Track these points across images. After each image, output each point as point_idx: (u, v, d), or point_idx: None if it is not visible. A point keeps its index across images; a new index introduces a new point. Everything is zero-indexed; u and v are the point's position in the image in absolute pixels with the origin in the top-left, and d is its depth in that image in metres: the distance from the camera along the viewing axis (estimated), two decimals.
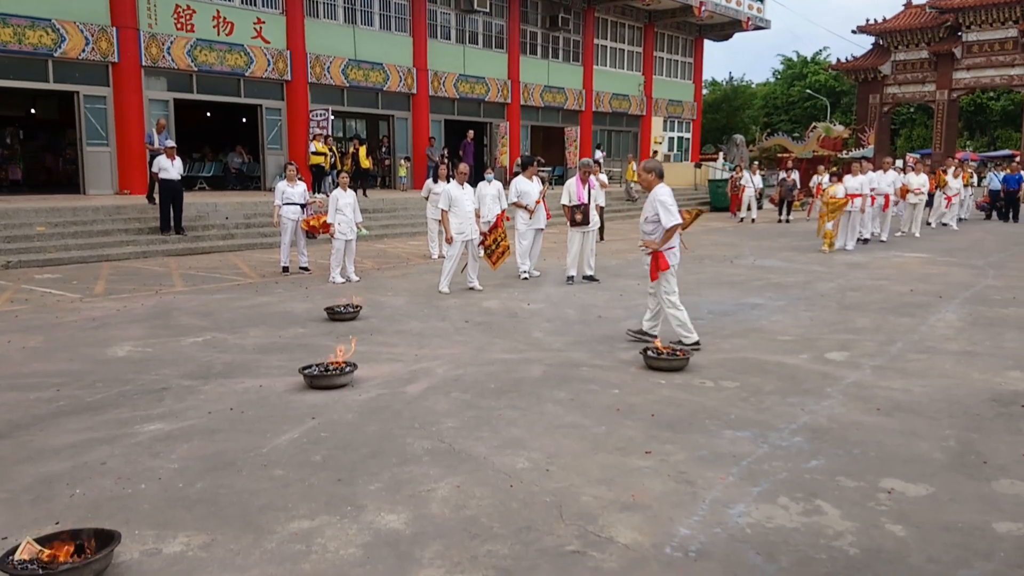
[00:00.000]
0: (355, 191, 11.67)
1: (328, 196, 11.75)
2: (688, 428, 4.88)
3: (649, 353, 6.34)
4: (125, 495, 3.91)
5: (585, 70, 30.04)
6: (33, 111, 24.20)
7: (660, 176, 6.90)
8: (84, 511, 3.72)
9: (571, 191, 10.67)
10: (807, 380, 5.98)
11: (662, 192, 6.79)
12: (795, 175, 24.29)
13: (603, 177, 16.03)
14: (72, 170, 20.54)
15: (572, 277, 10.80)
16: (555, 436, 4.74)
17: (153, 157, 14.71)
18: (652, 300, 7.20)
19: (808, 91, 51.11)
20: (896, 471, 4.24)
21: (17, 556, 3.12)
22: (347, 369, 5.92)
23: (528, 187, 11.22)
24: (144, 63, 17.90)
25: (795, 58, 56.48)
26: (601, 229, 15.16)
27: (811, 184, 23.38)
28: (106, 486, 4.01)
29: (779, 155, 30.75)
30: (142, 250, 13.49)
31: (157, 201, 14.56)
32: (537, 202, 11.11)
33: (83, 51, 16.95)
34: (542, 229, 11.43)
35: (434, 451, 4.50)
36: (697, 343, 6.83)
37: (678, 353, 6.35)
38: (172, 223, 14.34)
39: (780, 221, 22.58)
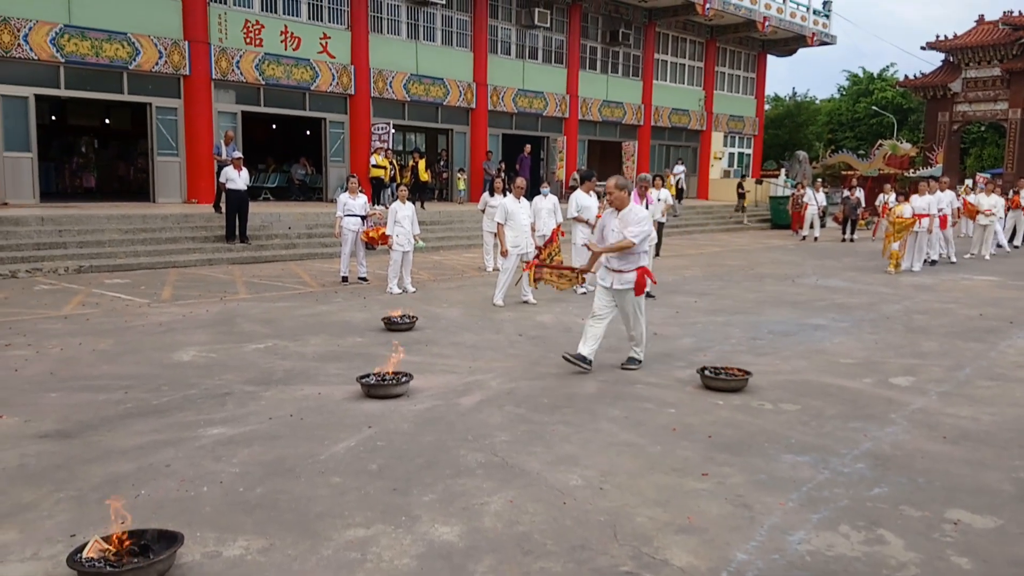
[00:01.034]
0: (414, 203, 11.83)
1: (387, 208, 11.93)
2: (746, 451, 4.81)
3: (706, 372, 6.29)
4: (188, 497, 4.01)
5: (645, 85, 29.93)
6: (107, 121, 25.18)
7: (629, 193, 6.63)
8: (149, 511, 3.83)
9: None
10: (870, 405, 5.84)
11: (636, 210, 6.53)
12: (860, 193, 23.76)
13: (665, 193, 15.82)
14: (143, 179, 21.29)
15: None
16: (609, 454, 4.72)
17: (221, 168, 15.15)
18: (596, 326, 6.73)
19: (874, 108, 49.98)
20: (963, 502, 4.10)
21: (85, 554, 3.23)
22: (404, 379, 5.98)
23: (588, 201, 11.19)
24: (214, 76, 18.46)
25: (861, 74, 55.32)
26: (658, 245, 15.02)
27: (877, 203, 22.86)
28: (170, 488, 4.12)
29: (843, 172, 30.12)
30: (208, 258, 13.87)
31: (223, 210, 14.97)
32: (598, 216, 11.05)
33: (156, 64, 17.58)
34: None
35: (487, 464, 4.51)
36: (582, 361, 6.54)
37: (736, 373, 6.27)
38: (237, 232, 14.72)
39: (844, 240, 22.10)
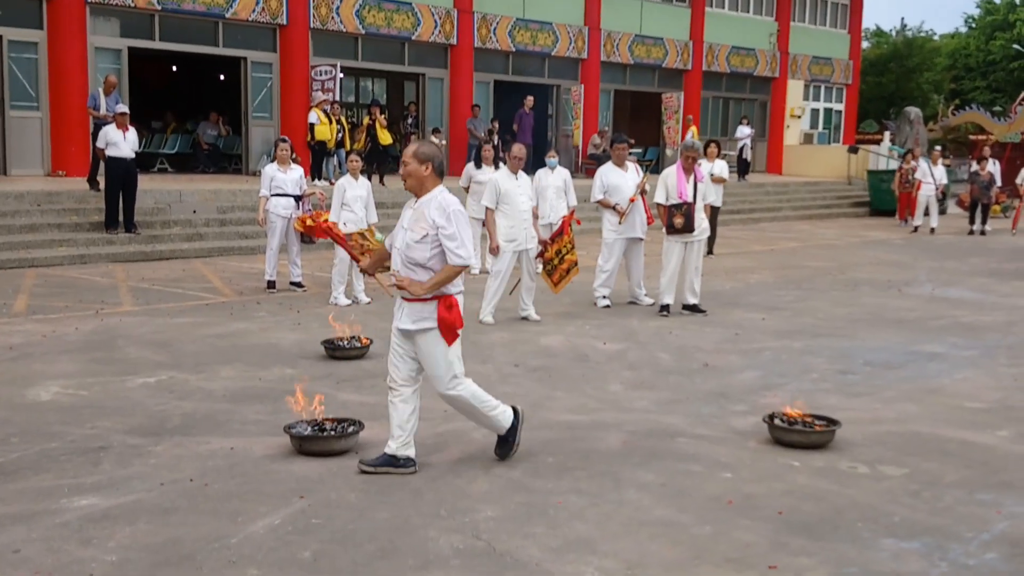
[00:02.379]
0: (369, 179, 11.82)
1: (333, 185, 11.93)
2: (832, 533, 4.79)
3: (777, 422, 6.28)
4: None
5: (694, 14, 30.02)
6: None
7: (440, 173, 5.67)
8: None
9: (669, 184, 10.62)
10: (1007, 468, 5.83)
11: (452, 203, 5.58)
12: (995, 167, 23.79)
13: (721, 166, 15.86)
14: None
15: (667, 306, 10.74)
16: (638, 537, 4.69)
17: (98, 127, 15.16)
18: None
19: (1016, 47, 50.14)
20: None
21: None
22: (350, 429, 5.96)
23: (618, 178, 11.16)
24: None
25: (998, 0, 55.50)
26: (711, 239, 15.05)
27: (1018, 181, 22.89)
28: None
29: (972, 137, 30.22)
30: (79, 253, 13.87)
31: (101, 187, 14.96)
32: (631, 199, 11.05)
33: None
34: (641, 239, 11.37)
35: (467, 551, 4.49)
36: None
37: (817, 422, 6.26)
38: (121, 217, 14.72)
39: (972, 232, 22.16)
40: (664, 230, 10.73)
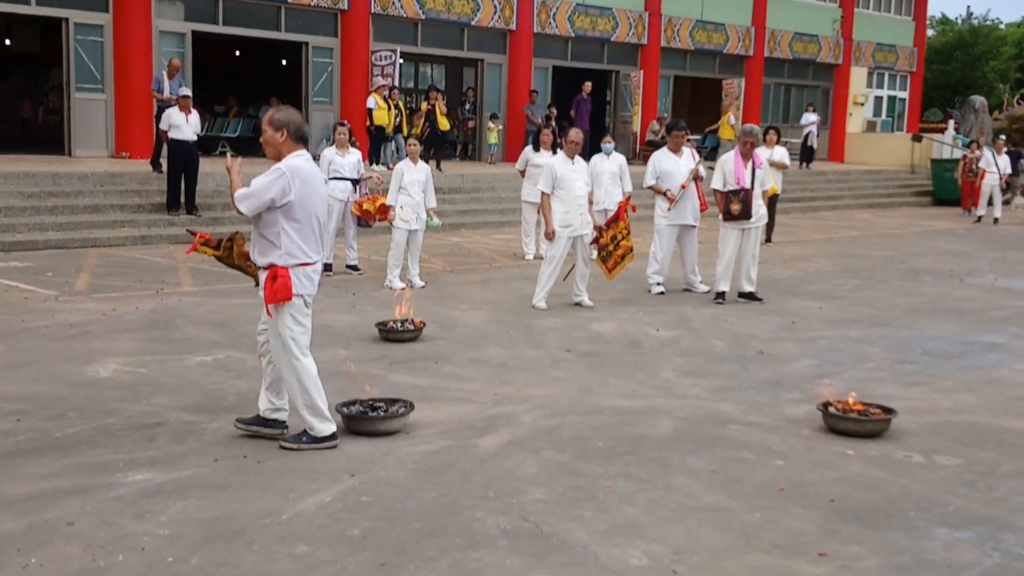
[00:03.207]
0: (427, 163, 11.82)
1: (390, 169, 11.95)
2: (884, 522, 4.75)
3: (831, 409, 6.23)
4: (95, 569, 4.04)
5: (756, 0, 29.65)
6: (8, 42, 25.47)
7: (298, 138, 5.60)
8: None
9: (726, 170, 10.52)
10: None
11: (286, 163, 5.51)
12: None
13: (780, 153, 15.69)
14: (55, 123, 21.64)
15: (723, 294, 10.64)
16: (687, 522, 4.68)
17: (162, 110, 15.34)
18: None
19: None
20: None
21: None
22: (400, 410, 6.00)
23: (672, 164, 11.08)
24: None
25: None
26: (770, 226, 14.92)
27: None
28: (72, 555, 4.16)
29: None
30: (141, 234, 14.07)
31: (164, 169, 15.16)
32: (683, 186, 10.97)
33: None
34: (694, 226, 11.27)
35: (514, 532, 4.50)
36: (332, 438, 5.62)
37: (870, 413, 6.19)
38: (183, 199, 14.89)
39: None
40: (721, 216, 10.63)
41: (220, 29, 20.23)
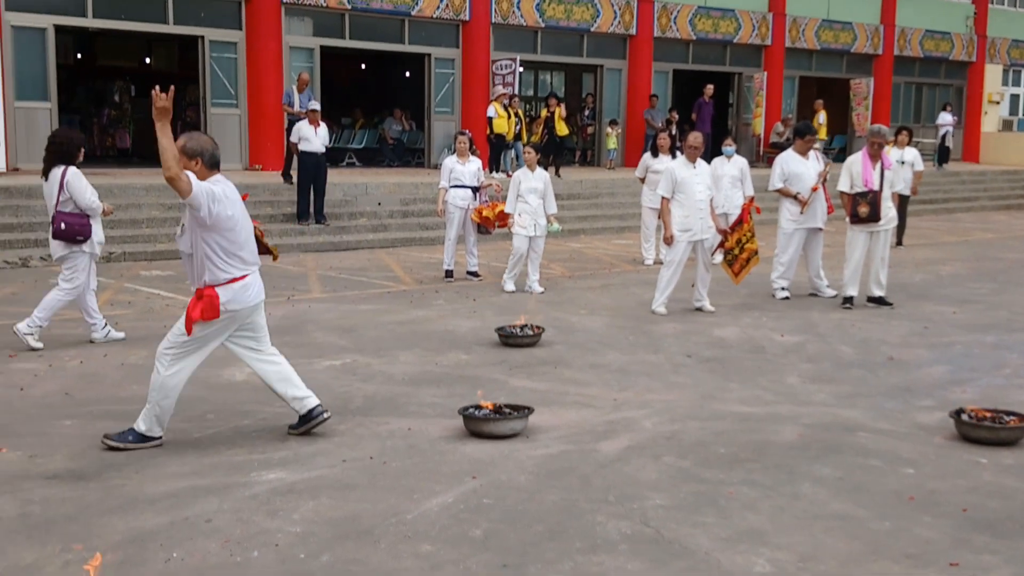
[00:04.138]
0: (546, 170, 11.88)
1: (510, 177, 12.06)
2: (1018, 532, 4.63)
3: (965, 417, 6.10)
4: (232, 564, 4.21)
5: None
6: (148, 60, 26.58)
7: (211, 165, 5.78)
8: None
9: (854, 172, 10.29)
10: None
11: (202, 191, 5.54)
12: None
13: (912, 154, 15.29)
14: None
15: (851, 298, 10.42)
16: (813, 530, 4.62)
17: (292, 123, 15.80)
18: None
19: None
20: None
21: None
22: (521, 413, 6.06)
23: (800, 166, 10.89)
24: None
25: None
26: (900, 229, 14.54)
27: None
28: (211, 551, 4.34)
29: None
30: (273, 243, 14.39)
31: (294, 180, 15.60)
32: (814, 188, 10.77)
33: None
34: (820, 229, 11.07)
35: (635, 537, 4.50)
36: (157, 441, 5.71)
37: (1009, 418, 6.01)
38: (311, 209, 15.29)
39: None
40: (848, 219, 10.41)
41: (347, 43, 20.75)
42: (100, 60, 26.05)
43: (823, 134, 23.90)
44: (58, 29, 17.62)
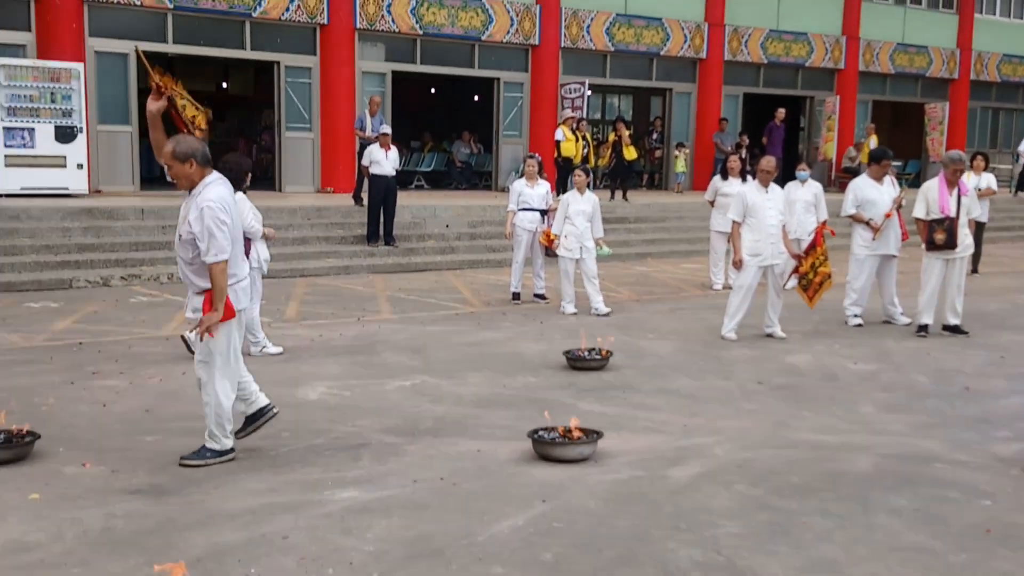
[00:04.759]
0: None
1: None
2: None
3: None
4: None
5: (962, 21, 28.59)
6: (225, 85, 27.21)
7: (204, 162, 5.75)
8: None
9: (930, 198, 10.12)
10: None
11: (209, 199, 5.59)
12: None
13: (989, 180, 15.07)
14: (267, 160, 22.88)
15: (926, 326, 10.24)
16: (888, 562, 4.56)
17: (363, 147, 16.01)
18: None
19: None
20: None
21: None
22: (589, 437, 6.05)
23: (874, 192, 10.73)
24: (358, 25, 19.59)
25: None
26: (976, 256, 14.28)
27: None
28: (287, 567, 4.41)
29: None
30: (344, 264, 14.69)
31: (365, 202, 15.80)
32: (888, 215, 10.63)
33: (285, 11, 18.87)
34: (894, 256, 10.91)
35: (707, 565, 4.48)
36: (231, 452, 5.92)
37: None
38: (381, 231, 15.45)
39: None
40: (924, 246, 10.25)
41: (418, 68, 21.01)
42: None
43: (865, 158, 23.53)
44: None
